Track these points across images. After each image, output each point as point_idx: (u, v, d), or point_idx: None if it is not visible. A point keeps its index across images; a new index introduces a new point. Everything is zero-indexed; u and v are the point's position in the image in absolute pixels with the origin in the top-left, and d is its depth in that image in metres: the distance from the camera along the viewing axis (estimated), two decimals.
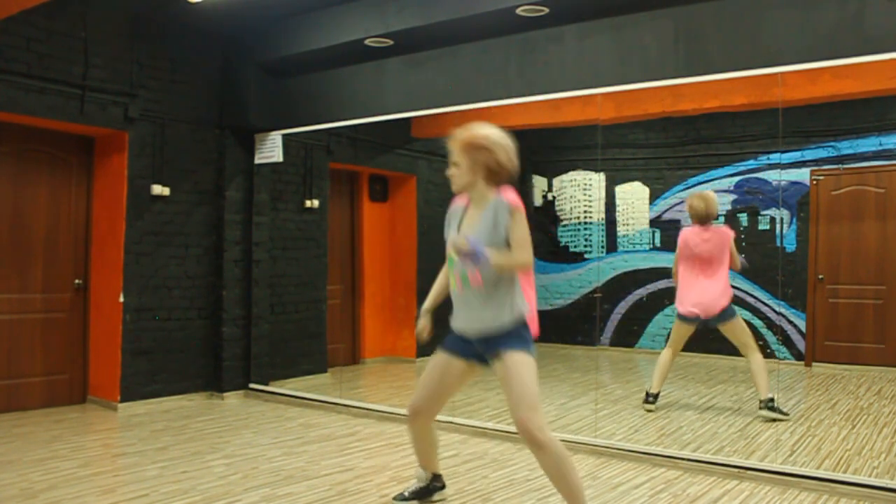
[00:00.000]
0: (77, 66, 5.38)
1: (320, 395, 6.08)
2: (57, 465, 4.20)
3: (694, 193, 5.76)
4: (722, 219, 8.38)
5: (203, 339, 6.21)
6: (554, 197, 9.49)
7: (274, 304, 6.67)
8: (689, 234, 5.60)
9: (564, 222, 9.40)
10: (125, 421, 5.38)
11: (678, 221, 8.56)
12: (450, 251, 3.15)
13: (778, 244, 8.01)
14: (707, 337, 8.19)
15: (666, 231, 8.46)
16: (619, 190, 8.96)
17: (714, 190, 8.39)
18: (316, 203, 7.08)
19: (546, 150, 9.59)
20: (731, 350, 8.18)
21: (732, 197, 8.29)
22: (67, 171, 5.83)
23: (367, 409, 5.62)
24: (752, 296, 8.10)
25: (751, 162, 8.15)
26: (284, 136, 6.28)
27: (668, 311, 8.22)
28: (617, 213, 8.99)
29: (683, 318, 5.56)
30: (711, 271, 5.50)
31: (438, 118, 5.60)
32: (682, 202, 8.52)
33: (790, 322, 7.90)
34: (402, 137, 7.82)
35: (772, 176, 8.05)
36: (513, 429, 4.91)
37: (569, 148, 9.26)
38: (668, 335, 5.82)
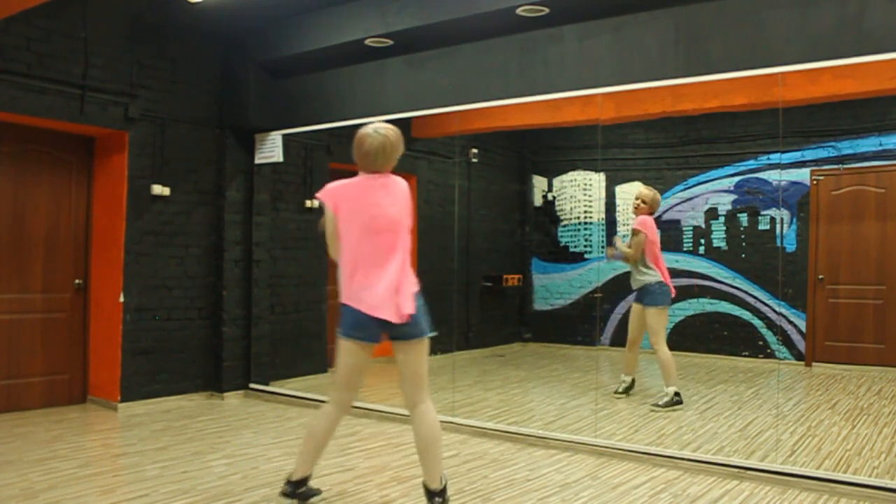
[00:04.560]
0: (77, 66, 5.38)
1: (320, 395, 6.07)
2: (57, 465, 4.20)
3: (645, 186, 6.02)
4: (722, 219, 8.40)
5: (203, 339, 6.22)
6: (554, 197, 9.49)
7: (274, 304, 6.66)
8: (651, 222, 5.80)
9: (564, 222, 9.40)
10: (125, 421, 5.38)
11: (678, 221, 8.56)
12: None
13: (778, 244, 8.01)
14: (708, 337, 8.22)
15: (666, 231, 8.45)
16: (619, 190, 8.96)
17: (714, 190, 8.42)
18: (316, 203, 7.08)
19: (546, 150, 9.59)
20: (731, 350, 8.24)
21: (732, 197, 8.29)
22: (67, 171, 5.83)
23: (367, 409, 5.61)
24: (752, 296, 8.10)
25: (751, 162, 8.15)
26: (284, 136, 6.28)
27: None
28: (617, 213, 8.99)
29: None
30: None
31: (439, 118, 5.60)
32: (682, 202, 8.53)
33: (790, 322, 7.90)
34: (403, 137, 7.81)
35: (772, 176, 8.05)
36: (513, 429, 4.93)
37: (569, 148, 9.26)
38: (657, 331, 5.86)
